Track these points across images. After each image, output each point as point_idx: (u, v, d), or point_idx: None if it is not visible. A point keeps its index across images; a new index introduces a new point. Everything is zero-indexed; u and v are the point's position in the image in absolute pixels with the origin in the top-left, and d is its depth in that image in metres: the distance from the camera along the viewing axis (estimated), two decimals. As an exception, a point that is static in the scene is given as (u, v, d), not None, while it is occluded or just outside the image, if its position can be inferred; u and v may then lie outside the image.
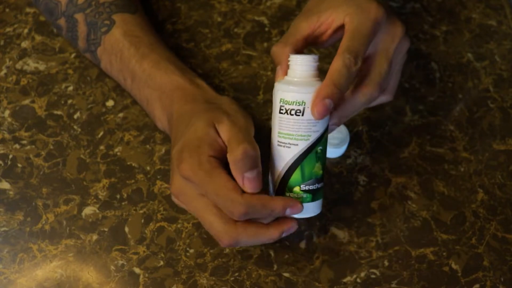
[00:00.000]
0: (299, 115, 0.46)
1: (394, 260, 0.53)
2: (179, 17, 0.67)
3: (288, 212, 0.46)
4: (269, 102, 0.61)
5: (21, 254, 0.52)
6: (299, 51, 0.49)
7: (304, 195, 0.47)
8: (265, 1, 0.68)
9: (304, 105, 0.45)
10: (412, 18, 0.68)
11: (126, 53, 0.56)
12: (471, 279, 0.52)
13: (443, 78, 0.64)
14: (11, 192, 0.56)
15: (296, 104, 0.45)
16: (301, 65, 0.46)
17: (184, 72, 0.55)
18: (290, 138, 0.46)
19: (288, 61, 0.47)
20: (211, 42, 0.65)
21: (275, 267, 0.52)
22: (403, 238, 0.54)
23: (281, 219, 0.47)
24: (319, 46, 0.52)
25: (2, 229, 0.54)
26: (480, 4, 0.69)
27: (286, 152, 0.47)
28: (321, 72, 0.48)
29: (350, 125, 0.60)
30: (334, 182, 0.57)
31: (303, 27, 0.50)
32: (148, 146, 0.58)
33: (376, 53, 0.49)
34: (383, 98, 0.52)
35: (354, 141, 0.59)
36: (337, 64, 0.45)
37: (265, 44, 0.65)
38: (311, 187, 0.47)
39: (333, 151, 0.57)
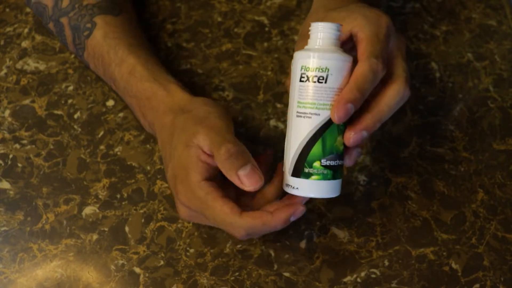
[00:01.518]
0: (321, 82, 0.44)
1: (394, 260, 0.53)
2: (179, 17, 0.67)
3: (292, 219, 0.46)
4: (269, 102, 0.61)
5: (21, 253, 0.52)
6: None
7: (325, 172, 0.46)
8: (265, 1, 0.68)
9: (328, 71, 0.44)
10: (412, 18, 0.68)
11: (106, 58, 0.56)
12: (471, 279, 0.52)
13: (443, 78, 0.64)
14: (11, 192, 0.56)
15: (319, 71, 0.44)
16: (323, 33, 0.45)
17: (157, 78, 0.54)
18: (311, 107, 0.45)
19: (309, 30, 0.46)
20: (211, 42, 0.65)
21: (275, 267, 0.52)
22: (403, 238, 0.54)
23: (288, 204, 0.47)
24: None
25: (2, 229, 0.54)
26: (480, 4, 0.69)
27: (306, 123, 0.45)
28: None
29: (350, 125, 0.60)
30: (334, 182, 0.57)
31: None
32: (148, 145, 0.58)
33: (393, 55, 0.49)
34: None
35: (354, 141, 0.59)
36: (363, 69, 0.45)
37: (265, 44, 0.65)
38: (332, 163, 0.45)
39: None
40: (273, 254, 0.53)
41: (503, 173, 0.58)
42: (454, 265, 0.53)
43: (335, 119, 0.44)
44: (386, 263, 0.53)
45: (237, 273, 0.52)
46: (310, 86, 0.45)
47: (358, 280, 0.52)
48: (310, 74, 0.44)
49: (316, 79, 0.44)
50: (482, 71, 0.64)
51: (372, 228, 0.54)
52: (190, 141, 0.47)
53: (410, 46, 0.66)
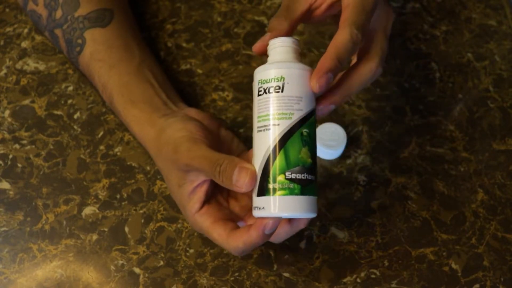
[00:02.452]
0: (278, 92, 0.42)
1: (394, 260, 0.53)
2: (179, 17, 0.67)
3: (268, 230, 0.43)
4: (269, 102, 0.61)
5: (21, 254, 0.52)
6: (294, 27, 0.47)
7: (291, 186, 0.41)
8: (265, 1, 0.68)
9: (283, 80, 0.42)
10: (412, 18, 0.68)
11: (94, 81, 0.57)
12: (471, 279, 0.52)
13: (443, 78, 0.64)
14: (11, 192, 0.56)
15: (274, 81, 0.42)
16: (280, 47, 0.44)
17: (128, 111, 0.54)
18: (270, 118, 0.42)
19: (267, 49, 0.45)
20: (211, 42, 0.65)
21: (275, 267, 0.52)
22: (403, 238, 0.54)
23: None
24: (309, 22, 0.50)
25: (2, 229, 0.54)
26: (480, 4, 0.69)
27: (266, 136, 0.42)
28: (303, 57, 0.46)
29: (349, 125, 0.60)
30: (334, 182, 0.57)
31: (301, 0, 0.48)
32: (148, 146, 0.58)
33: (375, 30, 0.48)
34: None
35: (354, 141, 0.59)
36: (343, 38, 0.43)
37: (265, 44, 0.65)
38: (298, 176, 0.41)
39: (330, 153, 0.57)
40: (272, 254, 0.53)
41: (503, 173, 0.58)
42: (454, 265, 0.53)
43: (316, 89, 0.42)
44: (386, 263, 0.53)
45: (236, 273, 0.52)
46: (268, 97, 0.42)
47: (358, 280, 0.52)
48: (267, 86, 0.43)
49: (272, 90, 0.42)
50: (482, 71, 0.64)
51: (372, 228, 0.54)
52: (180, 181, 0.48)
53: (410, 46, 0.66)
